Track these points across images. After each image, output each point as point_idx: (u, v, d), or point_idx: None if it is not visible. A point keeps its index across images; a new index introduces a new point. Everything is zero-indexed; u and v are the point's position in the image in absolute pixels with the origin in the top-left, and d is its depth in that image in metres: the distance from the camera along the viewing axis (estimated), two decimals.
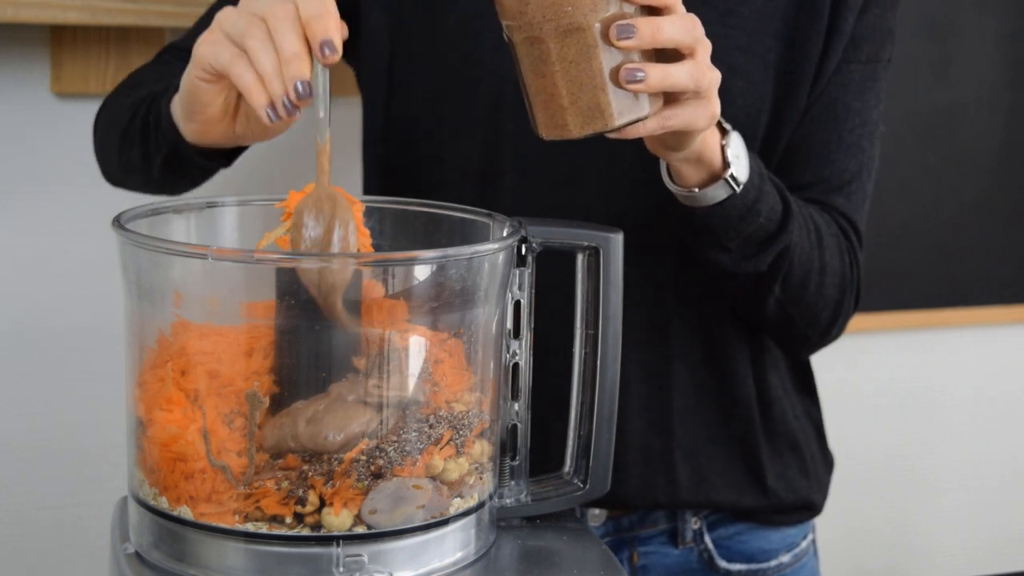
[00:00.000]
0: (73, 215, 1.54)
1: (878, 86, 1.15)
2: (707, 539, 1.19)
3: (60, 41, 1.48)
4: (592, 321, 0.94)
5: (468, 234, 0.96)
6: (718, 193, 0.99)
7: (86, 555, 1.59)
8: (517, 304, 0.92)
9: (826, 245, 1.10)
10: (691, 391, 1.15)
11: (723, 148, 0.98)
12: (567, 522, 0.96)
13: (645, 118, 0.87)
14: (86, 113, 1.53)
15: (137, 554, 0.88)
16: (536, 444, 0.95)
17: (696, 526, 1.19)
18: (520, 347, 0.93)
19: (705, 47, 0.88)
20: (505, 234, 0.91)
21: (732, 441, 1.16)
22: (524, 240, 0.91)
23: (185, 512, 0.84)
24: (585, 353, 0.95)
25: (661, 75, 0.85)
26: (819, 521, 1.26)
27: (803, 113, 1.12)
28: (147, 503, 0.86)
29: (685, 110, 0.88)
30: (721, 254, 1.05)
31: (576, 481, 0.96)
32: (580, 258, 0.94)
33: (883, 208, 2.03)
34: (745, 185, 1.00)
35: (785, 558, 1.22)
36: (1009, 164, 2.10)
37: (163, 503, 0.85)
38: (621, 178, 1.10)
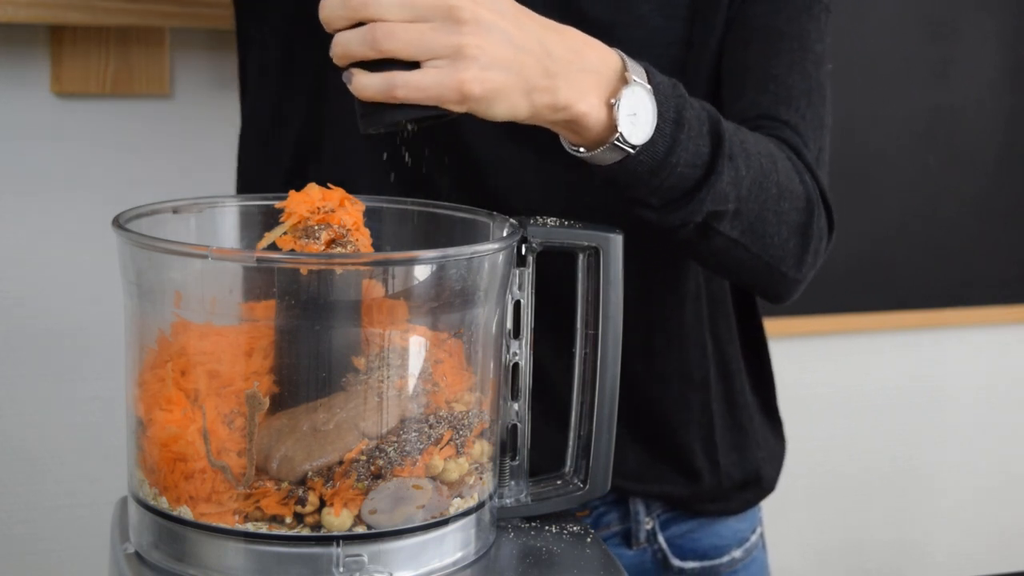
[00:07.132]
0: (73, 215, 1.54)
1: (818, 26, 1.12)
2: (660, 538, 1.19)
3: (60, 41, 1.48)
4: (592, 321, 0.94)
5: (468, 234, 0.96)
6: (609, 155, 0.93)
7: (86, 555, 1.59)
8: (517, 304, 0.92)
9: (780, 168, 1.03)
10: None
11: (612, 107, 0.91)
12: (567, 522, 0.96)
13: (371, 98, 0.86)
14: (86, 113, 1.53)
15: (137, 554, 0.88)
16: (536, 444, 0.95)
17: (649, 526, 1.19)
18: (520, 347, 0.93)
19: (378, 12, 0.85)
20: (505, 234, 0.91)
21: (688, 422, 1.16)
22: (524, 240, 0.91)
23: (185, 512, 0.84)
24: (585, 353, 0.95)
25: (338, 50, 0.86)
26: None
27: (726, 37, 1.10)
28: (147, 503, 0.86)
29: (413, 77, 0.85)
30: (643, 210, 0.97)
31: (576, 481, 0.96)
32: (580, 258, 0.94)
33: (883, 208, 2.03)
34: (645, 144, 0.92)
35: (737, 553, 1.23)
36: (1008, 165, 2.10)
37: (163, 503, 0.85)
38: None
